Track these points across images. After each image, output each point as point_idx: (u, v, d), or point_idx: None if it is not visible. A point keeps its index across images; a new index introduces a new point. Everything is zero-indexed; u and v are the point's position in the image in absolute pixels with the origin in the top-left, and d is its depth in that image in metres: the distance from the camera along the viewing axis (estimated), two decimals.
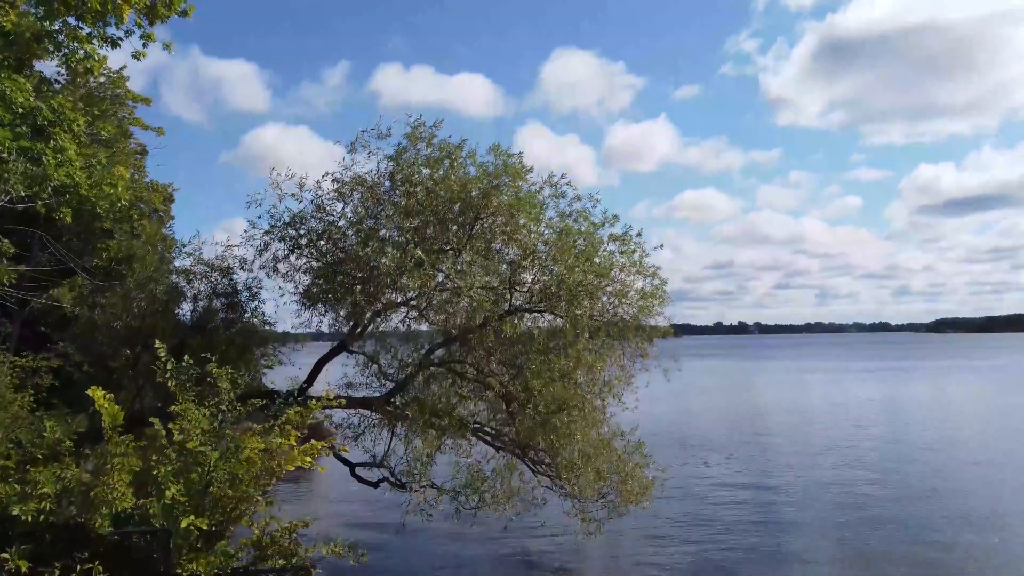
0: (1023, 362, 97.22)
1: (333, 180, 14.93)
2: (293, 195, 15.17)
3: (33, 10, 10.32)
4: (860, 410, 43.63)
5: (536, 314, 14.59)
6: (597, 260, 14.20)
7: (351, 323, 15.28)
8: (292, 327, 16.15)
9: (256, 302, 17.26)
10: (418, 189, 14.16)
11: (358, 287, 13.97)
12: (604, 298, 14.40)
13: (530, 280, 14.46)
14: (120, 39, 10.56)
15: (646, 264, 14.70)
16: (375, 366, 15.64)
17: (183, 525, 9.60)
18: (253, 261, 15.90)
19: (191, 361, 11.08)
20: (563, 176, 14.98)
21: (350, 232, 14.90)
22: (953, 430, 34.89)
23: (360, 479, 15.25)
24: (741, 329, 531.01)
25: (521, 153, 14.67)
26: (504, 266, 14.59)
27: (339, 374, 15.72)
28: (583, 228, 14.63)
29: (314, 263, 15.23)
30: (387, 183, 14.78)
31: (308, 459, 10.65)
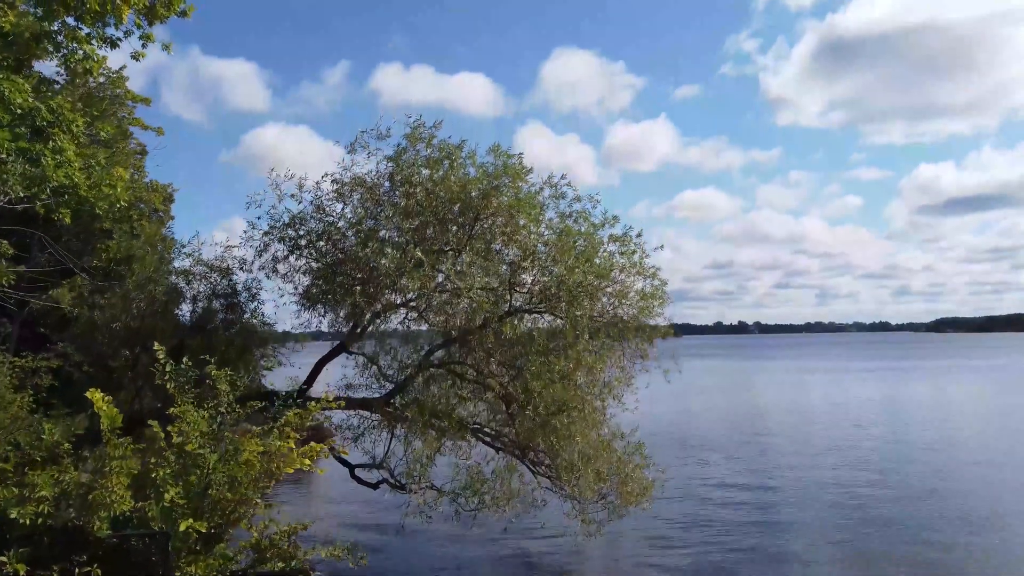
0: (1023, 362, 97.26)
1: (333, 181, 14.94)
2: (292, 196, 15.20)
3: (32, 10, 10.30)
4: (860, 410, 43.63)
5: (536, 315, 14.57)
6: (597, 261, 14.19)
7: (351, 324, 15.27)
8: (292, 328, 16.16)
9: (256, 303, 17.29)
10: (418, 190, 14.14)
11: (358, 288, 13.94)
12: (604, 299, 14.39)
13: (530, 281, 14.45)
14: (119, 39, 10.53)
15: (646, 265, 14.72)
16: (375, 367, 15.61)
17: (182, 528, 9.59)
18: (252, 262, 15.92)
19: (190, 363, 11.05)
20: (563, 177, 15.02)
21: (350, 233, 14.88)
22: (953, 430, 34.88)
23: (360, 480, 15.22)
24: (741, 329, 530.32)
25: (521, 154, 14.70)
26: (504, 267, 14.58)
27: (339, 375, 15.70)
28: (583, 229, 14.62)
29: (314, 264, 15.21)
30: (387, 184, 14.78)
31: (307, 462, 10.64)
